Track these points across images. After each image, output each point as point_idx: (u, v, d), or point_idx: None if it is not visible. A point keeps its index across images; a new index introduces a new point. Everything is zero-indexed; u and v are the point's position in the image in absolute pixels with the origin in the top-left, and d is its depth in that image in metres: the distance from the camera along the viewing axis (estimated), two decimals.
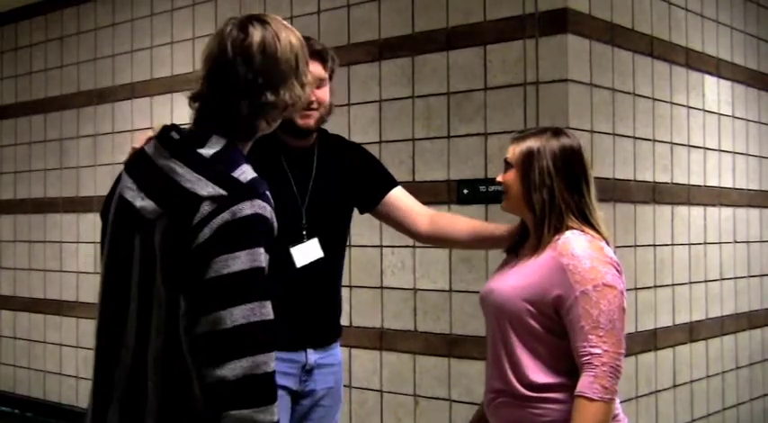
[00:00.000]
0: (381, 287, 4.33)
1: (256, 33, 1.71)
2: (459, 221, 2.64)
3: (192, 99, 1.77)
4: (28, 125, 6.57)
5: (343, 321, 4.33)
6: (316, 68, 2.44)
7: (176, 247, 1.61)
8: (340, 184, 2.58)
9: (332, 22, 4.56)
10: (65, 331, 6.15)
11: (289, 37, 1.75)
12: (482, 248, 2.57)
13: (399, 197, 2.63)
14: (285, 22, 1.79)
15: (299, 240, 2.46)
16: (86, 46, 6.11)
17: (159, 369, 1.64)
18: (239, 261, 1.57)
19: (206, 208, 1.59)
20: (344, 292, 4.35)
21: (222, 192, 1.61)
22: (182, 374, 1.61)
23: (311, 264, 2.47)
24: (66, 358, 6.13)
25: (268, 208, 1.63)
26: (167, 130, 1.75)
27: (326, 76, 2.51)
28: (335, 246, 2.58)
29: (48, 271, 6.33)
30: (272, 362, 1.59)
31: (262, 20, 1.75)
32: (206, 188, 1.61)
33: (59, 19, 6.33)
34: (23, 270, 6.54)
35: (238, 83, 1.70)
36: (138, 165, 1.76)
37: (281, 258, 2.39)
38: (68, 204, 6.16)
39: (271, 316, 1.60)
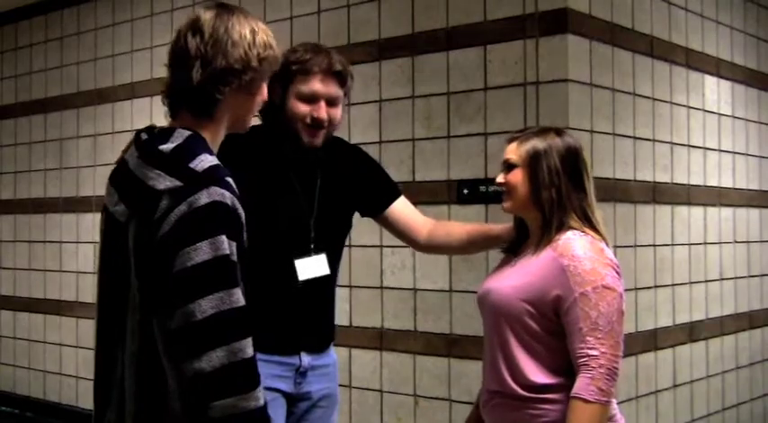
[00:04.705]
0: (381, 287, 4.32)
1: (208, 12, 1.74)
2: (455, 228, 2.67)
3: (163, 97, 1.78)
4: (28, 125, 6.57)
5: (344, 321, 4.37)
6: (332, 88, 2.44)
7: (144, 245, 1.62)
8: (344, 192, 2.56)
9: (332, 22, 4.56)
10: (64, 331, 6.15)
11: (245, 15, 1.76)
12: (480, 250, 2.59)
13: (402, 208, 2.64)
14: (247, 12, 1.79)
15: (306, 254, 2.45)
16: (86, 46, 6.11)
17: (135, 372, 1.65)
18: (201, 252, 1.57)
19: (164, 202, 1.61)
20: (344, 292, 4.39)
21: (178, 183, 1.61)
22: (157, 377, 1.62)
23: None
24: (66, 358, 6.13)
25: (227, 194, 1.63)
26: (140, 132, 1.77)
27: (342, 95, 2.48)
28: (336, 256, 2.57)
29: (47, 271, 6.32)
30: (250, 348, 1.60)
31: (221, 4, 1.77)
32: (164, 182, 1.62)
33: (59, 19, 6.33)
34: (23, 270, 6.54)
35: (190, 55, 1.71)
36: (118, 172, 1.78)
37: (284, 269, 2.40)
38: (68, 204, 6.15)
39: (241, 302, 1.60)
